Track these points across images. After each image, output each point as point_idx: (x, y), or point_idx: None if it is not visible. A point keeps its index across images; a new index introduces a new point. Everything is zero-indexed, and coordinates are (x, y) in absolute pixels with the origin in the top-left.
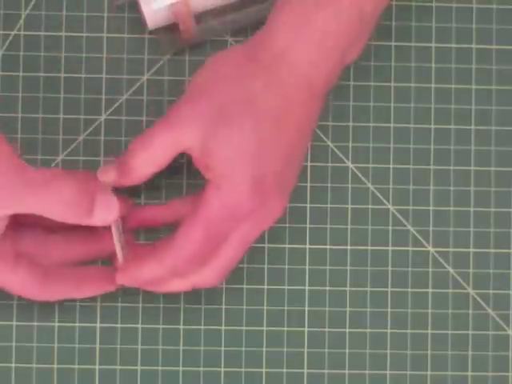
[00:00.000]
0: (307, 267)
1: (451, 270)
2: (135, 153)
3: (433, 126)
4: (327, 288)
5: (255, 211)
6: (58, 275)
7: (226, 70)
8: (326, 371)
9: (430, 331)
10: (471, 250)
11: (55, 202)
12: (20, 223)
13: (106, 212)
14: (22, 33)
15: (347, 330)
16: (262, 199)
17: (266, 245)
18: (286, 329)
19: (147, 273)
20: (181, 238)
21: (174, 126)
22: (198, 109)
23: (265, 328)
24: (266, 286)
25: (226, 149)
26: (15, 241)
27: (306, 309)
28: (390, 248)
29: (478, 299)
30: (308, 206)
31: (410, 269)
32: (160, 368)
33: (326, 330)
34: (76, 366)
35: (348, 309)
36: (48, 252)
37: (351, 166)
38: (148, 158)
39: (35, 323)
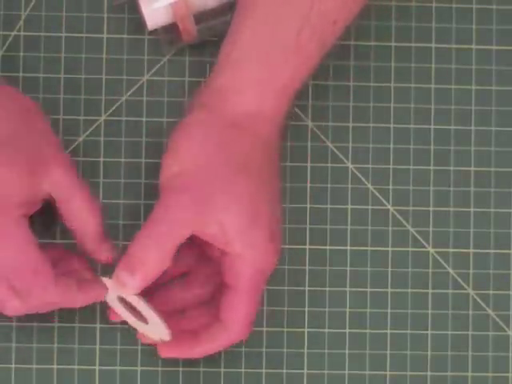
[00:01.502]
0: (307, 267)
1: (451, 271)
2: (146, 259)
3: (433, 127)
4: (327, 288)
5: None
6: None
7: (211, 149)
8: (325, 371)
9: (430, 331)
10: (471, 250)
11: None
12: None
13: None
14: (22, 33)
15: (347, 331)
16: (278, 249)
17: None
18: (285, 329)
19: (197, 353)
20: (231, 320)
21: (176, 221)
22: (196, 196)
23: (265, 328)
24: (265, 287)
25: (238, 223)
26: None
27: (306, 309)
28: (390, 248)
29: (478, 300)
30: (308, 206)
31: (410, 269)
32: (160, 368)
33: (326, 330)
34: (76, 366)
35: (348, 309)
36: (70, 263)
37: (351, 166)
38: (159, 258)
39: (35, 323)
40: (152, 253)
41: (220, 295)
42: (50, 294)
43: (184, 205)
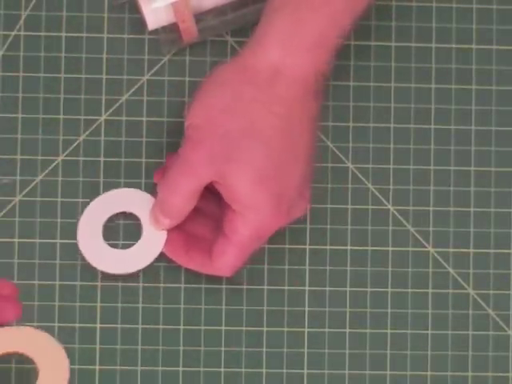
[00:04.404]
0: (307, 267)
1: (451, 271)
2: (172, 204)
3: (433, 126)
4: (327, 288)
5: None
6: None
7: (225, 102)
8: (326, 371)
9: (430, 331)
10: (471, 250)
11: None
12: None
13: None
14: (22, 33)
15: (347, 330)
16: (283, 215)
17: (266, 245)
18: (286, 329)
19: (185, 265)
20: (218, 261)
21: (192, 172)
22: (208, 151)
23: (265, 328)
24: (266, 286)
25: (244, 182)
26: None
27: (306, 309)
28: (390, 248)
29: (478, 299)
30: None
31: (410, 269)
32: (160, 368)
33: (326, 330)
34: (76, 366)
35: (348, 309)
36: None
37: (351, 166)
38: (182, 201)
39: (35, 324)
40: (176, 199)
41: (216, 238)
42: None
43: (196, 158)
